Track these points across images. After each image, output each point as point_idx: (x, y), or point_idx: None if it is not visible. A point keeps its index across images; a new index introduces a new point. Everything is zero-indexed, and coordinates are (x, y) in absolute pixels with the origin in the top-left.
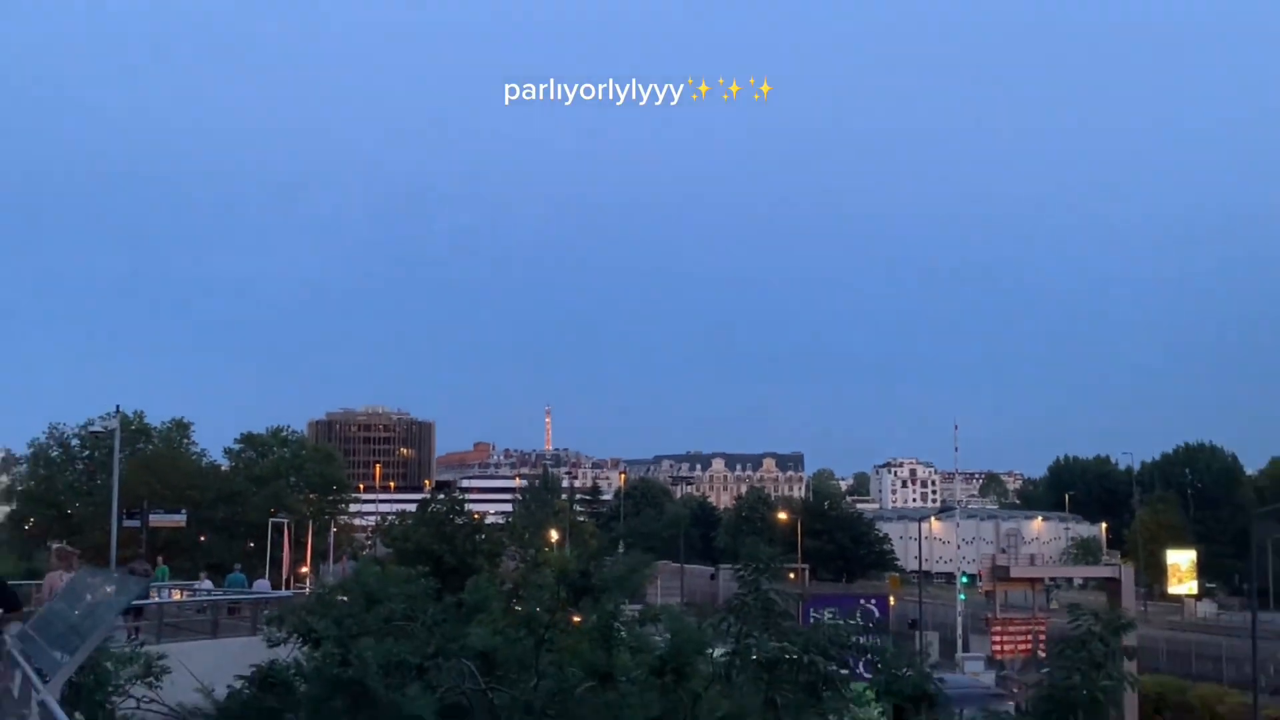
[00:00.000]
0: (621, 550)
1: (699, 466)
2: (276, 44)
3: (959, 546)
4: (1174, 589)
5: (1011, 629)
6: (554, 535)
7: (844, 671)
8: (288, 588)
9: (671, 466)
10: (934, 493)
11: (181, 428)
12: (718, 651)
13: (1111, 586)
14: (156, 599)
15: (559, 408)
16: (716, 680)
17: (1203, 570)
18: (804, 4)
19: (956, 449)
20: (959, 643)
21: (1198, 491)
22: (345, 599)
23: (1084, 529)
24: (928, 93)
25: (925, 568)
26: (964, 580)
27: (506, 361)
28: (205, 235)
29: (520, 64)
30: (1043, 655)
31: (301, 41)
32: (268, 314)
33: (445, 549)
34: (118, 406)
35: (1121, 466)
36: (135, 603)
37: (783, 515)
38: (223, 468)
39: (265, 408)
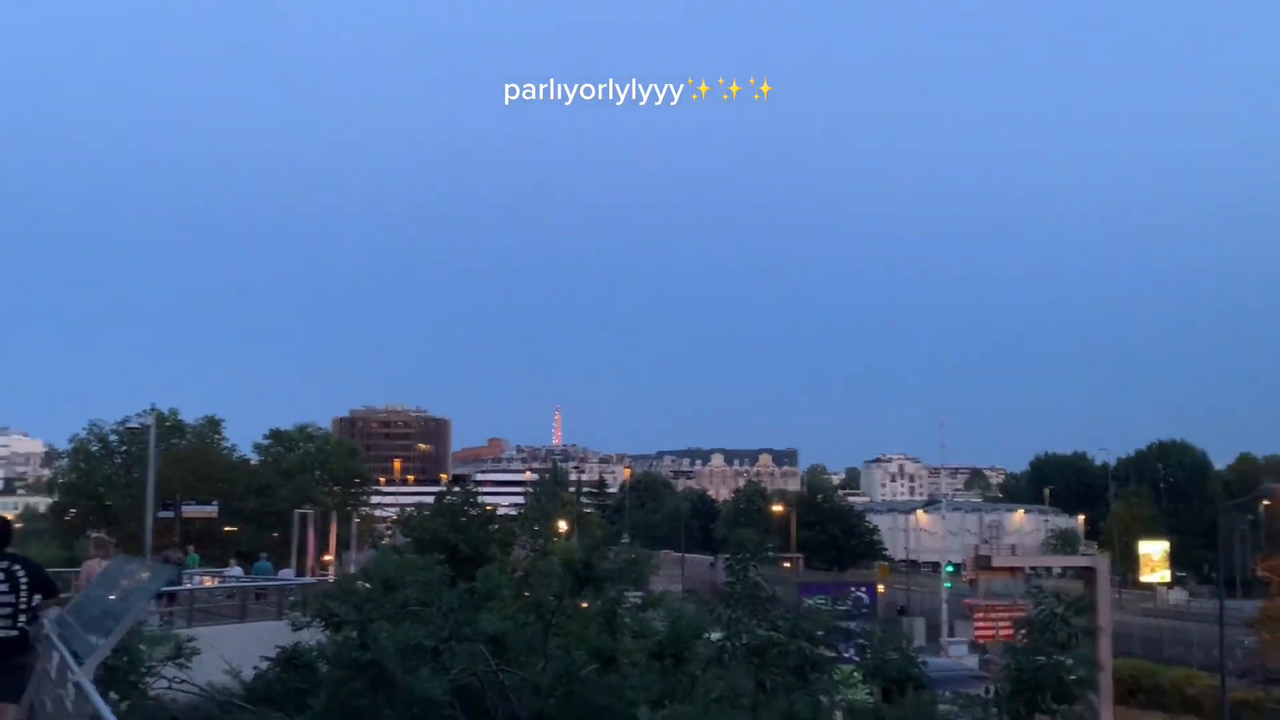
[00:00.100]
0: (626, 540)
1: (699, 461)
2: (277, 45)
3: (944, 538)
4: (1147, 578)
5: (993, 615)
6: (563, 526)
7: (830, 655)
8: (312, 575)
9: (673, 461)
10: (921, 487)
11: (213, 424)
12: (714, 636)
13: (1088, 575)
14: (188, 585)
15: (568, 406)
16: (711, 664)
17: (1174, 560)
18: (804, 4)
19: (942, 445)
20: (944, 628)
21: (1170, 486)
22: (365, 585)
23: (1062, 521)
24: (926, 93)
25: (912, 557)
26: (949, 569)
27: (518, 362)
28: (229, 241)
29: (520, 64)
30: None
31: (302, 42)
32: (293, 318)
33: (460, 539)
34: (153, 404)
35: (1098, 462)
36: (168, 589)
37: (778, 508)
38: (252, 462)
39: (292, 406)
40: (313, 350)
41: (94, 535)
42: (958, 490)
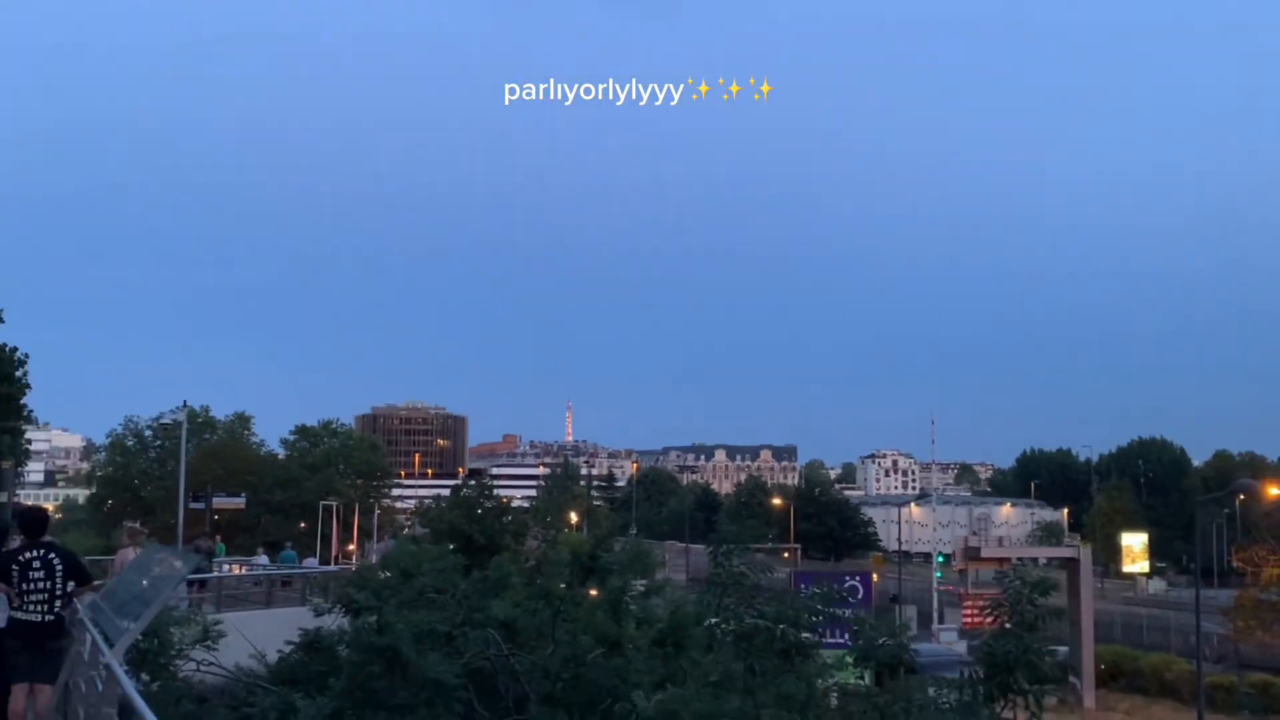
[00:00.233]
0: (634, 532)
1: (703, 457)
2: (277, 47)
3: (935, 529)
4: (1128, 568)
5: (982, 603)
6: (573, 518)
7: (815, 638)
8: (336, 564)
9: (679, 456)
10: (913, 481)
11: (243, 420)
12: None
13: (1072, 566)
14: (217, 573)
15: (579, 404)
16: (702, 649)
17: (1153, 551)
18: (804, 4)
19: (933, 442)
20: (935, 615)
21: (1149, 481)
22: (384, 574)
23: (1048, 514)
24: (925, 93)
25: (905, 548)
26: (939, 559)
27: (532, 362)
28: (258, 247)
29: (520, 64)
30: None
31: (303, 44)
32: (320, 320)
33: (475, 529)
34: (185, 401)
35: (1082, 458)
36: (198, 576)
37: (778, 501)
38: (279, 456)
39: (318, 403)
40: (338, 351)
41: (128, 525)
42: (948, 485)
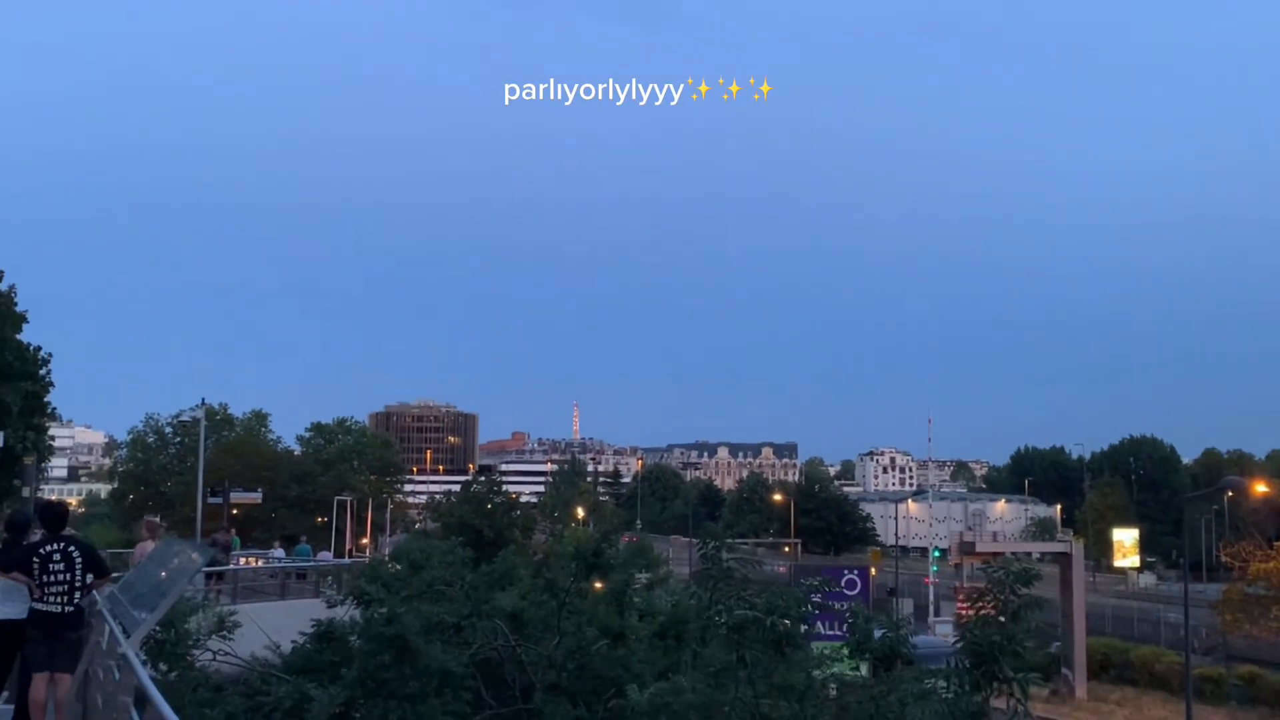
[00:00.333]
0: (639, 526)
1: (706, 454)
2: (278, 47)
3: (931, 525)
4: (1119, 563)
5: (964, 596)
6: (580, 513)
7: (804, 629)
8: (350, 557)
9: (682, 454)
10: (911, 478)
11: (260, 418)
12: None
13: (1064, 560)
14: (233, 565)
15: (585, 402)
16: (695, 640)
17: (1144, 546)
18: (804, 4)
19: (930, 440)
20: (931, 608)
21: (1140, 478)
22: (395, 566)
23: (1041, 510)
24: (925, 93)
25: (902, 543)
26: (936, 554)
27: (541, 361)
28: (272, 249)
29: (520, 64)
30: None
31: (304, 44)
32: (334, 321)
33: (485, 524)
34: (203, 399)
35: (1074, 456)
36: (216, 568)
37: (779, 497)
38: (295, 452)
39: (332, 401)
40: (352, 351)
41: (147, 519)
42: (944, 481)
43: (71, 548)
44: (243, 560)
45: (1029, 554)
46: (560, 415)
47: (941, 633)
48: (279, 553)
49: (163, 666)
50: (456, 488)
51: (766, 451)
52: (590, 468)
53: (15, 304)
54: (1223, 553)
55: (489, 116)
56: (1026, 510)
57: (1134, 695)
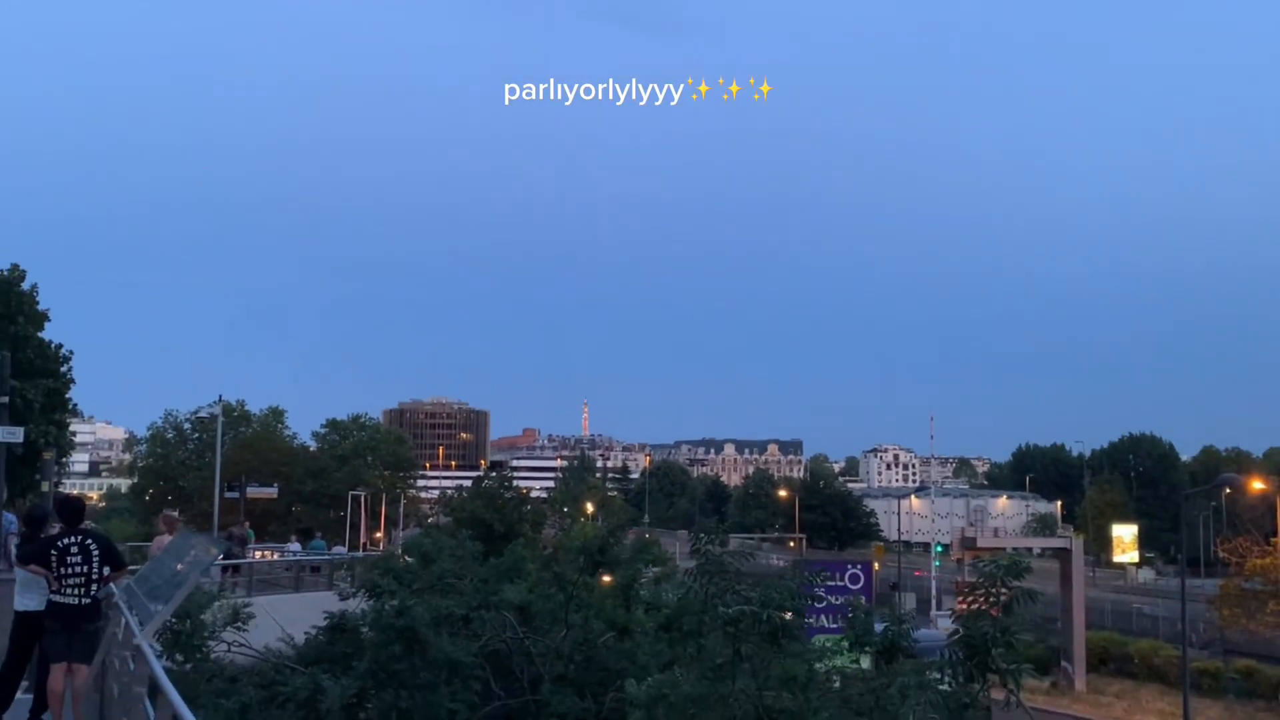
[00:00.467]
0: (646, 521)
1: (713, 450)
2: (278, 48)
3: (934, 520)
4: (1118, 558)
5: (978, 591)
6: (589, 508)
7: (801, 621)
8: (364, 550)
9: (690, 450)
10: (914, 474)
11: (277, 414)
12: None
13: (1064, 556)
14: (250, 559)
15: (595, 399)
16: (691, 634)
17: (1143, 542)
18: (804, 4)
19: (932, 437)
20: (933, 602)
21: (1139, 475)
22: (406, 560)
23: (1042, 506)
24: (925, 94)
25: (905, 538)
26: (938, 549)
27: (551, 358)
28: (288, 251)
29: (520, 64)
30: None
31: (304, 44)
32: (350, 320)
33: (496, 518)
34: (221, 396)
35: (1075, 453)
36: (232, 561)
37: (784, 493)
38: (311, 448)
39: (347, 398)
40: (366, 348)
41: (165, 513)
42: (947, 478)
43: (89, 541)
44: (257, 554)
45: (1030, 549)
46: (570, 412)
47: (943, 626)
48: (295, 546)
49: (179, 657)
50: (468, 483)
51: (772, 448)
52: (599, 464)
53: (37, 302)
54: (1220, 548)
55: (489, 116)
56: (1027, 506)
57: (1133, 688)
